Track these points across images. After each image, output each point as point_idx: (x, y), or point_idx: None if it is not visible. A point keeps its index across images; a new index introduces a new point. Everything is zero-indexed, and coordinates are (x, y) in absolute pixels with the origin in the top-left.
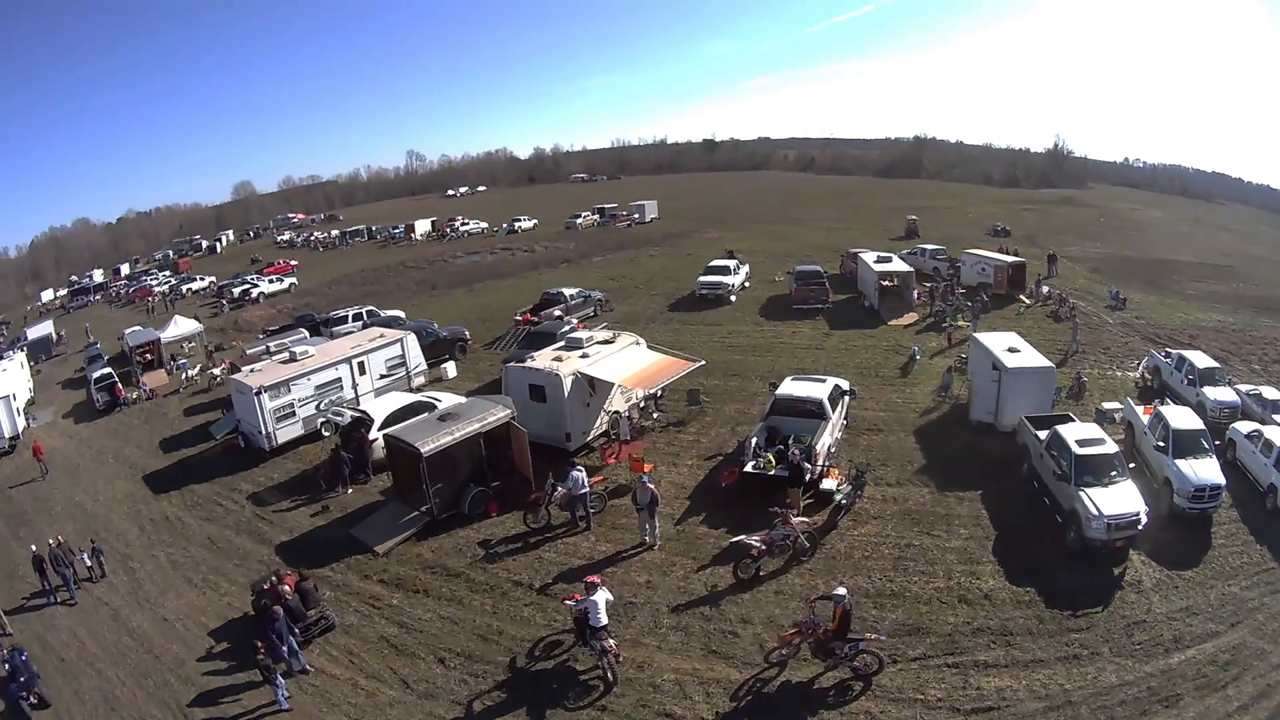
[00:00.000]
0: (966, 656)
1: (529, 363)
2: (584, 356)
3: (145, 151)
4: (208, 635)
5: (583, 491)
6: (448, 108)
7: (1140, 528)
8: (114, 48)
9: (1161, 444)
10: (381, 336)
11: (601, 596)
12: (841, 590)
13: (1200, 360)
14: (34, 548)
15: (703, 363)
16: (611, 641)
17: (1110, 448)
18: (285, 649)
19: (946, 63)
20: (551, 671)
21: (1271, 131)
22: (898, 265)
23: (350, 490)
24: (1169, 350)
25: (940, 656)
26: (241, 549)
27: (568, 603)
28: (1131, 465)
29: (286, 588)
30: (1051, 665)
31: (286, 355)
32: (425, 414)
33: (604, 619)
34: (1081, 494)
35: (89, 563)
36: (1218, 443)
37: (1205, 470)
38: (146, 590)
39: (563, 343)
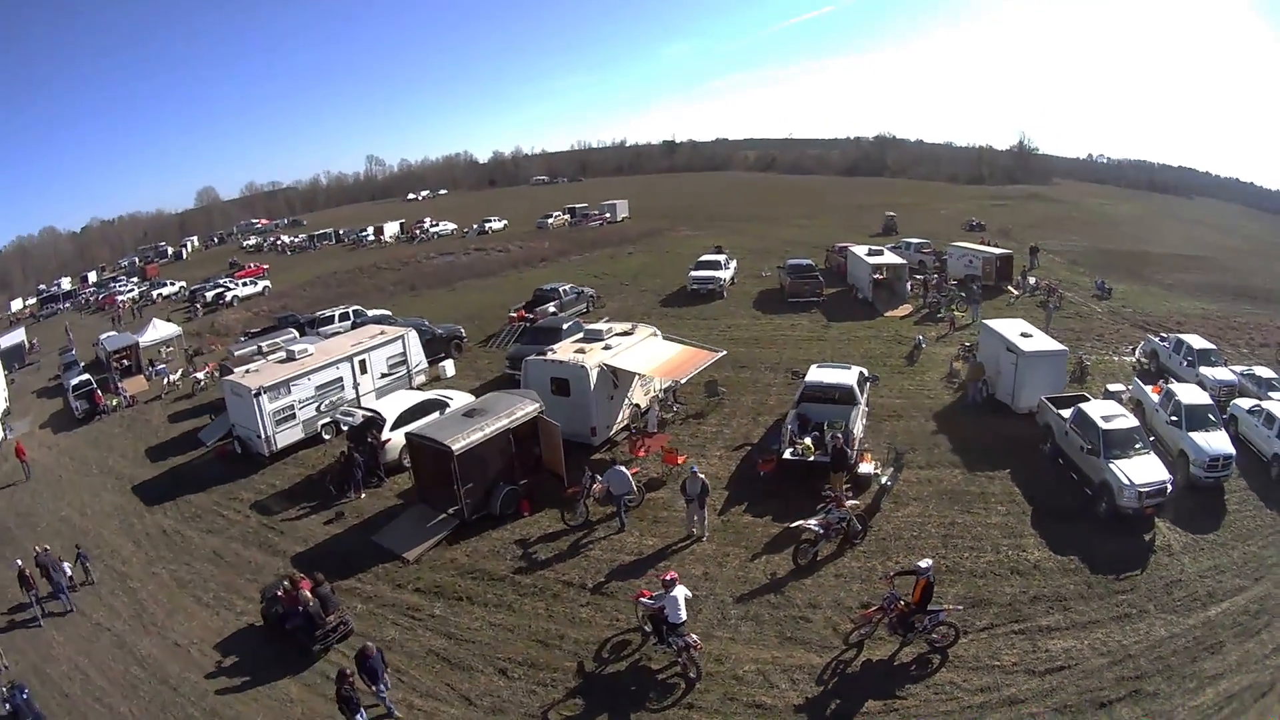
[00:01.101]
0: (1030, 623)
1: (550, 355)
2: (606, 348)
3: (109, 159)
4: (228, 657)
5: (624, 493)
6: (407, 112)
7: (1169, 493)
8: (76, 57)
9: (1174, 419)
10: (382, 334)
11: (680, 593)
12: (926, 562)
13: (1197, 343)
14: (19, 561)
15: (724, 353)
16: (694, 636)
17: (1133, 421)
18: (380, 688)
19: (905, 63)
20: (626, 673)
21: (1239, 125)
22: (890, 258)
23: (364, 495)
24: (1164, 334)
25: (1006, 624)
26: (252, 562)
27: (643, 600)
28: (1151, 440)
29: (305, 593)
30: (1107, 625)
31: (283, 355)
32: (437, 412)
33: (684, 615)
34: (1112, 466)
35: (69, 571)
36: (1224, 417)
37: (1217, 442)
38: (152, 612)
39: (581, 334)
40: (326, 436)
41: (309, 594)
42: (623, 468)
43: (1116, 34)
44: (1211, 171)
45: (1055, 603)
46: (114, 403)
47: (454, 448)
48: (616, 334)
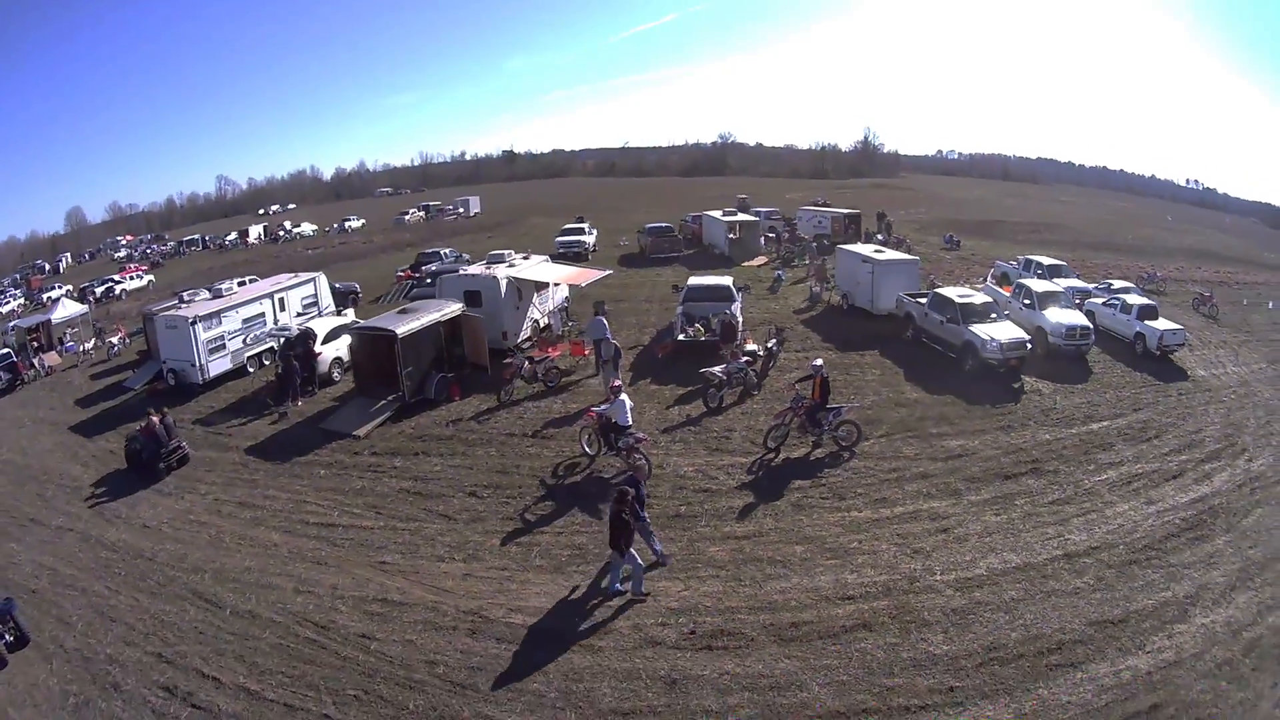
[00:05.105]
0: (922, 431)
1: (463, 270)
2: (511, 266)
3: None
4: (204, 528)
5: (600, 337)
6: (253, 130)
7: (1029, 349)
8: None
9: (1027, 303)
10: (295, 276)
11: (625, 398)
12: (818, 361)
13: (1046, 260)
14: None
15: (610, 271)
16: (642, 433)
17: (986, 298)
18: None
19: (746, 71)
20: (582, 483)
21: (1099, 116)
22: (744, 217)
23: (301, 402)
24: (1015, 258)
25: (900, 433)
26: (206, 459)
27: (594, 410)
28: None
29: (154, 419)
30: (992, 432)
31: (208, 295)
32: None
33: (630, 419)
34: (972, 329)
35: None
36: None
37: (1072, 316)
38: (114, 509)
39: (485, 260)
40: (251, 370)
41: (158, 421)
42: (601, 316)
43: (971, 29)
44: (1075, 161)
45: (940, 420)
46: (33, 375)
47: (398, 331)
48: (517, 258)
